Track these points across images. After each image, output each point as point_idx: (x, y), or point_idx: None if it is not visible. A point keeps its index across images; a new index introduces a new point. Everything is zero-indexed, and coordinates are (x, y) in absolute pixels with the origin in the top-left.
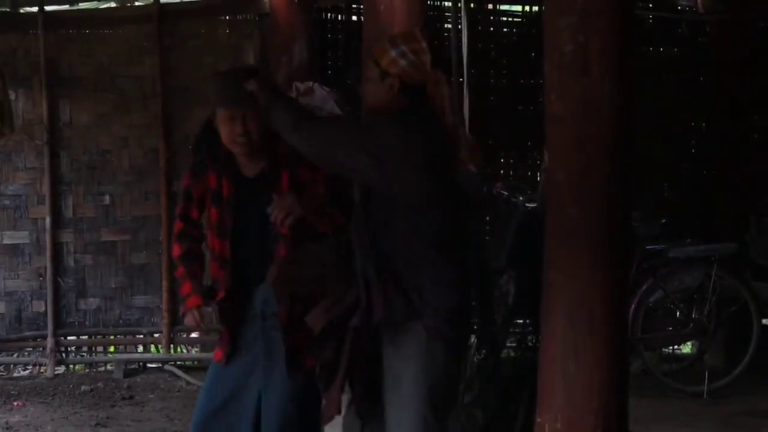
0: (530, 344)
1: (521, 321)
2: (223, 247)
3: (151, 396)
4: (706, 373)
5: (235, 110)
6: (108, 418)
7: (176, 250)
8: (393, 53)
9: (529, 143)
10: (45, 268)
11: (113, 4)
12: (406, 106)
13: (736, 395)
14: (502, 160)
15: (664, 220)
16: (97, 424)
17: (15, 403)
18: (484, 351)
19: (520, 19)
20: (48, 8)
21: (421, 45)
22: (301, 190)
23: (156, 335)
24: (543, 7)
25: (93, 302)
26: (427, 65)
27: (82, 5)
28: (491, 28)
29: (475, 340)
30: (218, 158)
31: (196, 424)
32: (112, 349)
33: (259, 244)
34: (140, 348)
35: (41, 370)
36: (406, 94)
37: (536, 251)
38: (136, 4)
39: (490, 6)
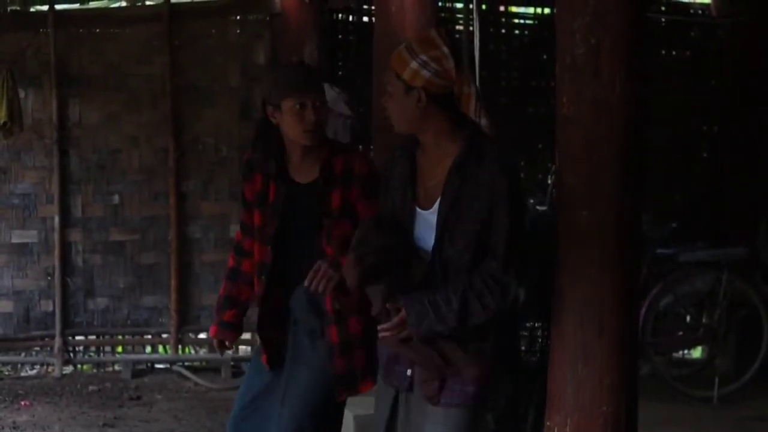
0: (540, 346)
1: (531, 323)
2: (263, 252)
3: (159, 397)
4: (716, 378)
5: (306, 97)
6: (115, 418)
7: (229, 261)
8: (414, 65)
9: (539, 145)
10: (53, 267)
11: (124, 3)
12: (437, 113)
13: (745, 400)
14: None
15: (674, 224)
16: (104, 425)
17: (23, 403)
18: None
19: (531, 21)
20: (58, 7)
21: (442, 50)
22: (348, 210)
23: (164, 336)
24: (555, 10)
25: (101, 302)
26: (452, 72)
27: (93, 4)
28: (503, 30)
29: None
30: (273, 158)
31: (232, 420)
32: (120, 349)
33: (300, 252)
34: (148, 348)
35: (49, 370)
36: (434, 102)
37: (546, 254)
38: (147, 3)
39: (502, 8)
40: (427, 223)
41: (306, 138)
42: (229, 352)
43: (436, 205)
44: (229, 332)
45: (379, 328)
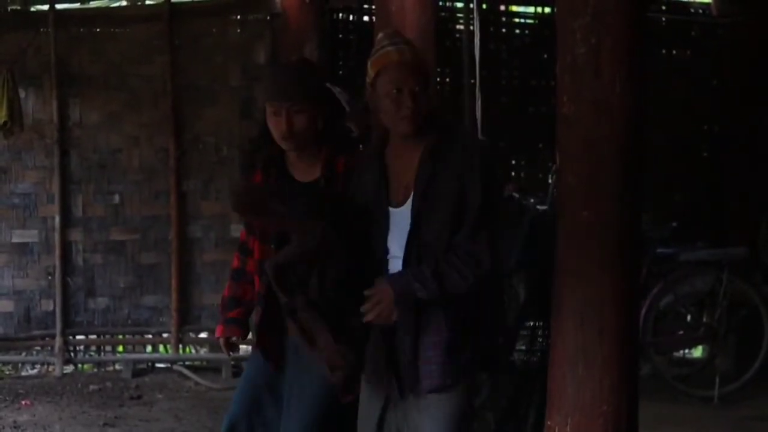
0: (540, 346)
1: (531, 323)
2: (263, 251)
3: (160, 396)
4: (717, 378)
5: (279, 105)
6: (116, 417)
7: (233, 262)
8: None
9: (540, 145)
10: (54, 267)
11: (124, 3)
12: None
13: (746, 400)
14: (513, 162)
15: (675, 224)
16: (105, 424)
17: (23, 402)
18: None
19: (532, 21)
20: (59, 6)
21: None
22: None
23: (165, 335)
24: (555, 9)
25: (102, 302)
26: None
27: (93, 4)
28: (503, 30)
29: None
30: (271, 158)
31: (230, 421)
32: (120, 348)
33: None
34: (149, 348)
35: (50, 370)
36: None
37: (547, 253)
38: (147, 2)
39: (503, 7)
40: (403, 219)
41: (283, 144)
42: (241, 349)
43: (411, 195)
44: (236, 328)
45: (362, 309)
